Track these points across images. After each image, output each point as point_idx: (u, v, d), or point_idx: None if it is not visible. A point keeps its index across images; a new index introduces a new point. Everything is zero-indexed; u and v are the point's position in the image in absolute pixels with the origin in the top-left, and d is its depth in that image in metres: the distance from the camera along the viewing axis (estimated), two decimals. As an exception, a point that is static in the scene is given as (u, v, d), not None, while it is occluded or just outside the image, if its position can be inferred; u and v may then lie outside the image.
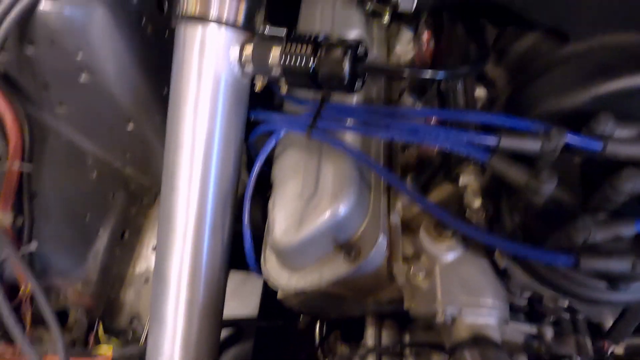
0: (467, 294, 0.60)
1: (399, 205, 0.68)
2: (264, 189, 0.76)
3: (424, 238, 0.63)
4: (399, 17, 0.85)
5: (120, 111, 0.79)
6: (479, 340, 0.56)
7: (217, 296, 0.72)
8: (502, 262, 0.57)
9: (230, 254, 0.76)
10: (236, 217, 0.75)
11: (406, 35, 0.86)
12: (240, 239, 0.76)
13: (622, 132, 0.50)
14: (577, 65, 0.53)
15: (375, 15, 0.84)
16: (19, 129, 0.72)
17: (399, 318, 0.78)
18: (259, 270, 0.74)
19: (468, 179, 0.56)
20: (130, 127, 0.83)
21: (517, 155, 0.51)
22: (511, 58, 0.64)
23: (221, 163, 0.67)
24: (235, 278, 0.98)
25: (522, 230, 0.52)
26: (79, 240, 0.84)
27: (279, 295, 0.73)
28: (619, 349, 0.77)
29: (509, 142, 0.50)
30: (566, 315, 0.72)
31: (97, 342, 0.80)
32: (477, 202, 0.55)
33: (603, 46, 0.52)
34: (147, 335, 0.78)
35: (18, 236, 0.73)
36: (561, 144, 0.49)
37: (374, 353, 0.74)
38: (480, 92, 0.69)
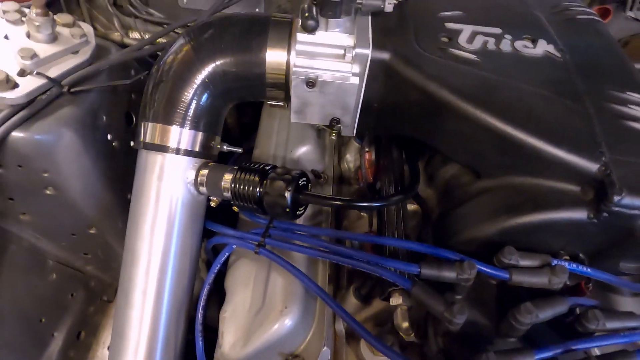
0: (404, 406, 0.63)
1: (343, 314, 0.72)
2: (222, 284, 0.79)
3: (364, 351, 0.67)
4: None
5: (83, 219, 0.83)
6: None
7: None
8: (433, 378, 0.61)
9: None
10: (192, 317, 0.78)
11: (355, 145, 0.95)
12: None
13: (526, 262, 0.58)
14: (486, 201, 0.61)
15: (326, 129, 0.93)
16: (-20, 243, 0.75)
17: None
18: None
19: (397, 301, 0.62)
20: (93, 231, 0.87)
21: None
22: (439, 182, 0.73)
23: (176, 275, 0.71)
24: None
25: (444, 353, 0.57)
26: (32, 345, 0.84)
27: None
28: None
29: (429, 272, 0.57)
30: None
31: None
32: (405, 324, 0.61)
33: (507, 186, 0.60)
34: None
35: (-31, 348, 0.73)
36: (473, 275, 0.56)
37: None
38: (415, 207, 0.77)
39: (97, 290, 0.97)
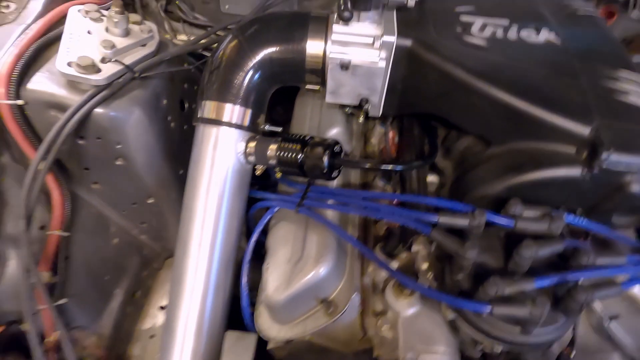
0: (423, 342, 0.73)
1: (370, 269, 0.83)
2: (260, 256, 0.91)
3: (389, 296, 0.77)
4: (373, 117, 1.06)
5: (144, 189, 0.96)
6: (432, 381, 0.69)
7: (216, 345, 0.84)
8: (449, 315, 0.71)
9: (229, 309, 0.89)
10: (233, 280, 0.89)
11: (379, 130, 1.06)
12: (236, 302, 0.89)
13: (529, 213, 0.68)
14: (496, 164, 0.72)
15: (354, 114, 1.05)
16: (62, 203, 0.89)
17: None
18: (252, 324, 0.86)
19: (418, 247, 0.72)
20: (150, 201, 1.00)
21: (455, 229, 0.68)
22: (454, 154, 0.83)
23: (226, 233, 0.83)
24: (230, 337, 1.09)
25: (458, 288, 0.66)
26: (98, 298, 0.97)
27: (270, 346, 0.85)
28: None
29: (445, 219, 0.67)
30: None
31: (108, 389, 0.91)
32: (424, 265, 0.71)
33: (513, 150, 0.70)
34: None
35: (50, 292, 0.86)
36: (483, 222, 0.66)
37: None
38: (433, 178, 0.88)
39: (149, 258, 1.10)
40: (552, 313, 0.61)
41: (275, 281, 0.79)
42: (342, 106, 1.02)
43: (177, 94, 1.02)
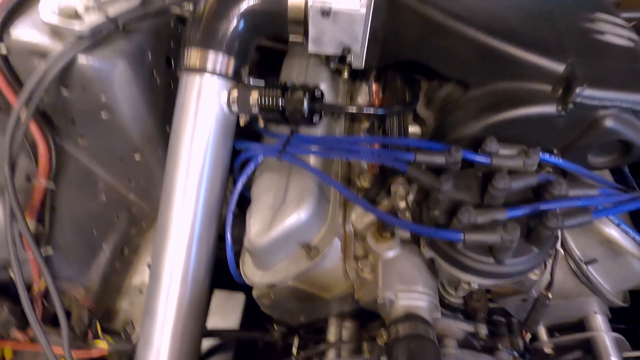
0: (402, 283, 0.74)
1: (352, 216, 0.84)
2: (244, 210, 0.92)
3: (370, 240, 0.78)
4: (359, 75, 1.06)
5: (130, 143, 0.97)
6: (410, 317, 0.70)
7: (201, 292, 0.85)
8: (427, 253, 0.72)
9: (214, 259, 0.90)
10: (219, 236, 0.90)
11: (364, 88, 1.07)
12: (222, 262, 0.90)
13: (505, 151, 0.69)
14: (474, 105, 0.73)
15: (339, 72, 1.06)
16: (48, 154, 0.89)
17: (359, 318, 0.91)
18: (237, 272, 0.88)
19: (396, 187, 0.73)
20: (137, 157, 1.00)
21: (434, 168, 0.69)
22: (435, 103, 0.84)
23: (210, 182, 0.84)
24: (219, 296, 1.10)
25: (434, 222, 0.68)
26: (86, 251, 0.98)
27: (254, 294, 0.86)
28: (547, 349, 0.91)
29: (422, 158, 0.68)
30: (501, 319, 0.87)
31: (95, 337, 0.92)
32: (402, 204, 0.72)
33: (490, 92, 0.71)
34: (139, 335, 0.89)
35: (37, 242, 0.87)
36: (459, 158, 0.67)
37: (334, 348, 0.86)
38: (415, 129, 0.89)
39: (138, 216, 1.11)
40: (524, 244, 0.63)
41: (258, 226, 0.80)
42: (327, 63, 1.03)
43: (163, 50, 1.02)
